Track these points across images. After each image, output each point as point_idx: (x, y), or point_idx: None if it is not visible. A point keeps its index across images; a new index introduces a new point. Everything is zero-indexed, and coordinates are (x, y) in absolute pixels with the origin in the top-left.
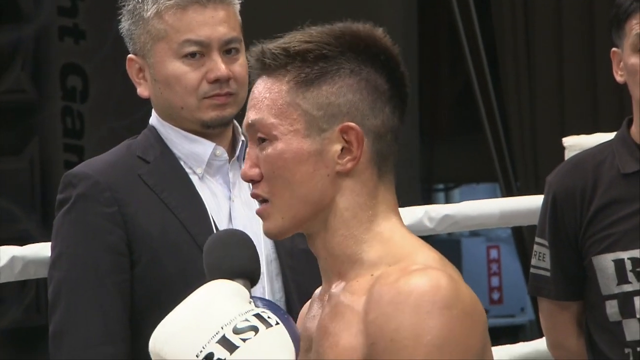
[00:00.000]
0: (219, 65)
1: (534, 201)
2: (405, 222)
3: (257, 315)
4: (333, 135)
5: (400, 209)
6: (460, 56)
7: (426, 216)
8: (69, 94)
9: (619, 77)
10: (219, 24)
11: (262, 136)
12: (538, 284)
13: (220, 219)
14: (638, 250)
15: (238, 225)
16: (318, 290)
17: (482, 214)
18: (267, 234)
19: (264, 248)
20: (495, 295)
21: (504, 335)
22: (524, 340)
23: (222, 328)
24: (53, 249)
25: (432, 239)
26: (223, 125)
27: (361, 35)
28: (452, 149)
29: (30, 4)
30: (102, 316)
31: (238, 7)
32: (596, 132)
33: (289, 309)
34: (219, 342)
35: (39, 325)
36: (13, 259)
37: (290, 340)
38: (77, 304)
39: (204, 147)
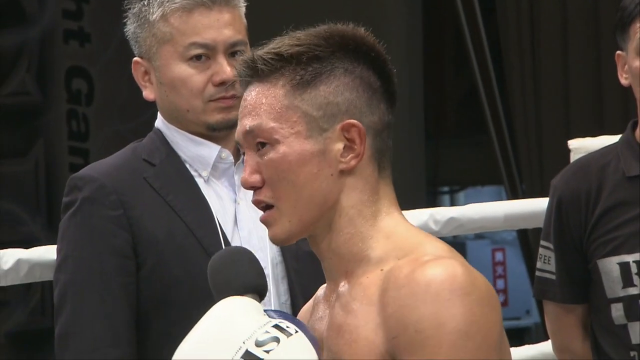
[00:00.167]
0: (224, 68)
1: (539, 204)
2: None
3: (276, 326)
4: (334, 135)
5: (405, 212)
6: (465, 59)
7: (431, 219)
8: (74, 97)
9: (623, 80)
10: (224, 26)
11: (262, 141)
12: (543, 287)
13: (225, 222)
14: None
15: (243, 227)
16: (320, 292)
17: (487, 217)
18: (274, 240)
19: (270, 251)
20: (501, 298)
21: (509, 337)
22: (529, 343)
23: (244, 343)
24: (59, 251)
25: None
26: (228, 128)
27: (349, 35)
28: (457, 151)
29: (35, 6)
30: (108, 319)
31: (243, 9)
32: (601, 134)
33: (295, 311)
34: (243, 356)
35: (45, 328)
36: (18, 262)
37: (312, 346)
38: (82, 306)
39: (210, 150)
